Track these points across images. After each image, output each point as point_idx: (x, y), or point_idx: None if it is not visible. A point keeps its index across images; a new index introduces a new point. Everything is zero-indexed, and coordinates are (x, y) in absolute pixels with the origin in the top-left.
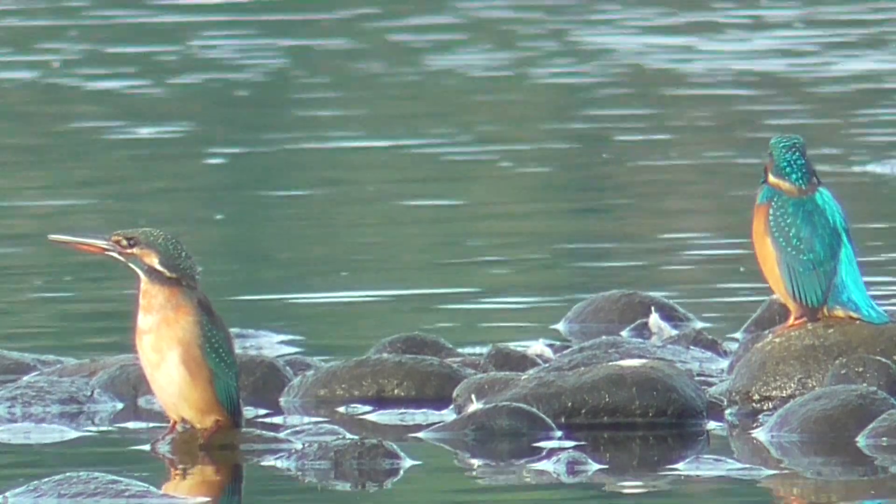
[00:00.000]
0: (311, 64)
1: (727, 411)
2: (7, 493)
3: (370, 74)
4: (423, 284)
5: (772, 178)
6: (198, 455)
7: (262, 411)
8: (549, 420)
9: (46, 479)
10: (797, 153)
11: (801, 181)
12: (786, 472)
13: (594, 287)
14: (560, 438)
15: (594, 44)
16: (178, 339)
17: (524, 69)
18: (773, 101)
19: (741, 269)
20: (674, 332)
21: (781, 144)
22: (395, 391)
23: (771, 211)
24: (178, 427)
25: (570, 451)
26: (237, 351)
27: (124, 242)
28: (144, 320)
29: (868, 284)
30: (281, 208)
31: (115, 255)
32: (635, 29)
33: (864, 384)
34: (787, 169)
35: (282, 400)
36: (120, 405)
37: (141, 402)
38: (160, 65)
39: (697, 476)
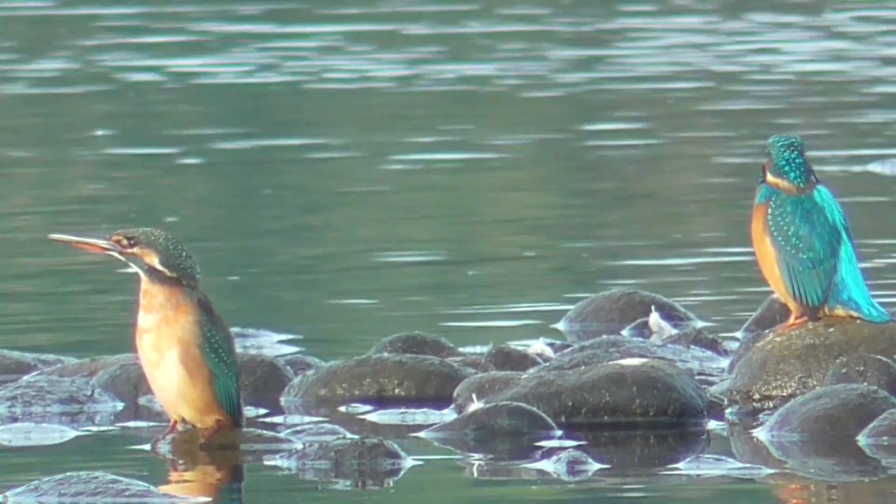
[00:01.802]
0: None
1: (728, 410)
2: (7, 493)
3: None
4: (423, 283)
5: (770, 178)
6: (198, 455)
7: (263, 411)
8: (549, 419)
9: (47, 479)
10: (795, 152)
11: (799, 179)
12: (786, 471)
13: (595, 286)
14: (560, 438)
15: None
16: (178, 339)
17: (541, 72)
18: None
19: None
20: (674, 332)
21: (780, 143)
22: (396, 390)
23: (769, 210)
24: (179, 427)
25: (571, 450)
26: (238, 350)
27: (125, 242)
28: (144, 319)
29: (868, 283)
30: (280, 207)
31: (115, 254)
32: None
33: (865, 383)
34: (786, 168)
35: (282, 399)
36: (120, 405)
37: (141, 401)
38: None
39: (698, 475)
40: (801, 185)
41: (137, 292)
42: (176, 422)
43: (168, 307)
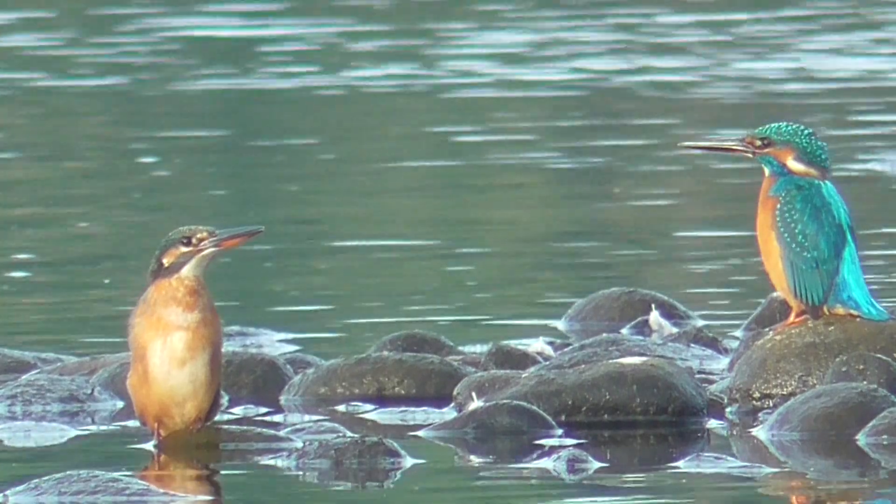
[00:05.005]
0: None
1: (727, 409)
2: (7, 492)
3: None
4: (423, 281)
5: (798, 167)
6: (197, 454)
7: (263, 409)
8: (549, 418)
9: (47, 478)
10: (818, 138)
11: (829, 163)
12: (786, 470)
13: (595, 285)
14: (561, 436)
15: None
16: (212, 341)
17: (536, 69)
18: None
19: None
20: (674, 330)
21: (806, 132)
22: (396, 389)
23: (779, 206)
24: (163, 432)
25: (571, 449)
26: (238, 349)
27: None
28: (183, 317)
29: (868, 281)
30: (279, 205)
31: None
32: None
33: (865, 382)
34: (822, 154)
35: (282, 398)
36: (120, 403)
37: None
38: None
39: (698, 474)
40: (829, 170)
41: (147, 290)
42: (158, 430)
43: (208, 309)
